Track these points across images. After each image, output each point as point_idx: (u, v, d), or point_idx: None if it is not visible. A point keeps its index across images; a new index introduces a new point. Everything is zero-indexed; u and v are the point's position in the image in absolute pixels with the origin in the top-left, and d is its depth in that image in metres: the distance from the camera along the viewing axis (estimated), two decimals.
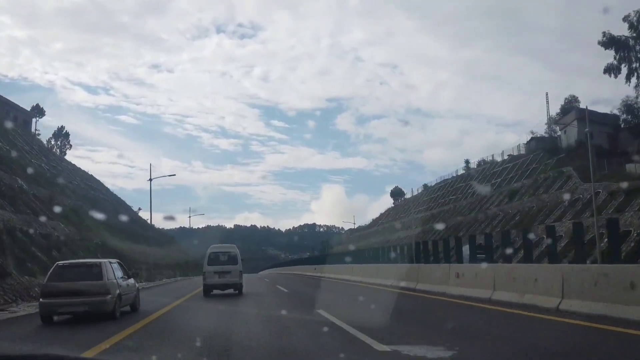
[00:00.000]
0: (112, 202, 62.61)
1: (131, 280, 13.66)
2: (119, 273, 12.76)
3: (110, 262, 12.81)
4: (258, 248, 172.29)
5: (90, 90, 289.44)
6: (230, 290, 18.61)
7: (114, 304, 11.58)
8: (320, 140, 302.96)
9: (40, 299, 11.58)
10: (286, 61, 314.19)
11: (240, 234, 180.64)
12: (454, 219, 56.44)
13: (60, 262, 12.66)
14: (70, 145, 75.20)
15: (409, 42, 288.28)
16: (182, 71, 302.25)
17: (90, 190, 58.52)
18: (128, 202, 78.12)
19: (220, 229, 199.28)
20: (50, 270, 12.12)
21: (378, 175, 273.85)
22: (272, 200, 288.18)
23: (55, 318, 11.51)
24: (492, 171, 64.15)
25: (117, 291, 11.89)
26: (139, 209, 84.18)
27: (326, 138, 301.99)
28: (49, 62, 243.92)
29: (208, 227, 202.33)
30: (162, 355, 7.21)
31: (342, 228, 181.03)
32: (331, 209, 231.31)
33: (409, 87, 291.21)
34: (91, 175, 71.15)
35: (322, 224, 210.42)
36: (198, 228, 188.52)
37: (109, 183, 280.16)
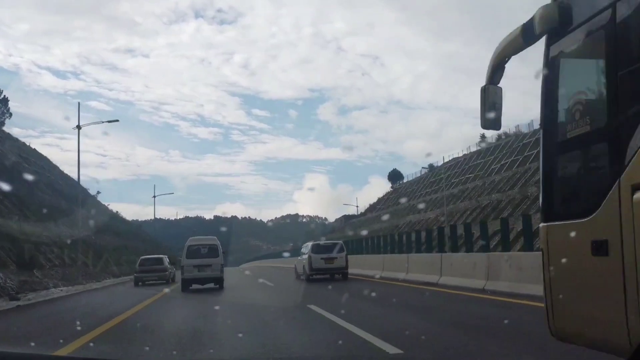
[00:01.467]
0: (55, 182, 49.88)
1: (171, 265, 25.86)
2: (168, 261, 25.56)
3: (165, 257, 25.95)
4: (239, 239, 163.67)
5: (59, 74, 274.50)
6: (211, 285, 17.78)
7: (169, 276, 23.83)
8: (302, 131, 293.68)
9: (135, 274, 23.97)
10: (267, 49, 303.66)
11: (221, 225, 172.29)
12: (487, 197, 45.39)
13: (143, 257, 25.81)
14: (11, 114, 61.72)
15: (389, 33, 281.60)
16: (158, 56, 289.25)
17: (25, 163, 45.78)
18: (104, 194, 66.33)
19: (199, 219, 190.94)
20: (139, 260, 24.70)
21: (360, 165, 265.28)
22: (254, 190, 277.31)
23: (139, 284, 22.77)
24: (523, 142, 53.67)
25: (169, 270, 24.47)
26: (98, 192, 72.62)
27: (308, 128, 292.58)
28: (13, 44, 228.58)
29: (186, 217, 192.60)
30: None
31: (326, 218, 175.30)
32: (314, 199, 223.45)
33: (389, 79, 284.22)
34: (34, 150, 58.85)
35: (305, 214, 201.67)
36: (175, 219, 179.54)
37: (80, 173, 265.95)
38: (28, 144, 58.90)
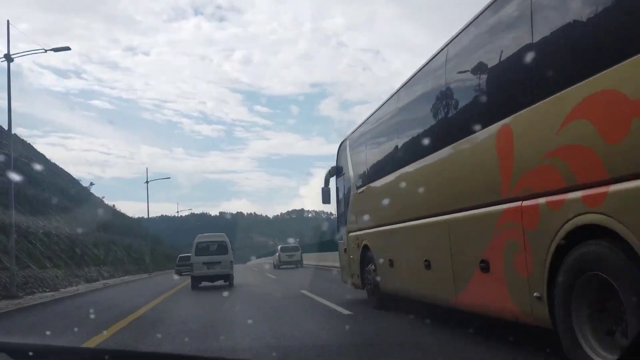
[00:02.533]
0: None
1: None
2: None
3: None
4: (245, 235, 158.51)
5: (61, 73, 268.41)
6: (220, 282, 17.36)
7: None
8: (304, 126, 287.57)
9: (175, 267, 33.55)
10: (268, 45, 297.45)
11: (226, 221, 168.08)
12: None
13: (181, 255, 33.55)
14: None
15: (390, 28, 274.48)
16: (159, 54, 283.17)
17: None
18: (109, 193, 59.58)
19: (204, 216, 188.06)
20: (178, 257, 34.29)
21: None
22: (258, 187, 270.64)
23: (180, 274, 29.29)
24: None
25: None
26: (91, 184, 66.02)
27: (310, 124, 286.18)
28: (14, 44, 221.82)
29: (192, 214, 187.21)
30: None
31: (332, 213, 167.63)
32: (320, 194, 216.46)
33: (391, 73, 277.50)
34: (15, 135, 51.74)
35: (311, 210, 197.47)
36: (181, 216, 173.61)
37: (84, 171, 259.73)
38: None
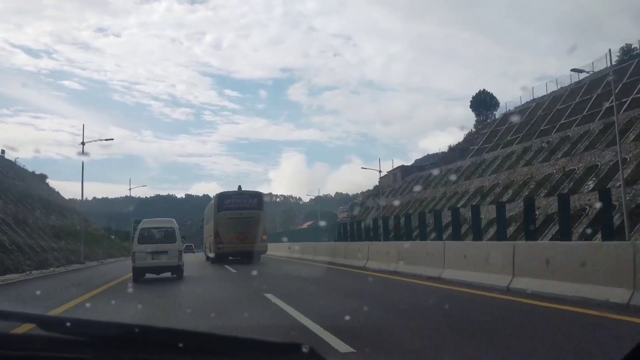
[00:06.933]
0: None
1: None
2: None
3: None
4: None
5: (32, 53, 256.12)
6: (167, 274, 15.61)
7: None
8: (273, 111, 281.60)
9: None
10: (238, 29, 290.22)
11: (192, 203, 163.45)
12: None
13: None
14: None
15: (362, 13, 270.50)
16: (130, 36, 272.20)
17: None
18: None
19: (170, 198, 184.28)
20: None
21: (332, 147, 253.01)
22: (227, 171, 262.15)
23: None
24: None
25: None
26: (38, 172, 54.07)
27: (279, 109, 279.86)
28: None
29: (157, 196, 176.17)
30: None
31: (300, 198, 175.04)
32: (288, 179, 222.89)
33: (361, 59, 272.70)
34: None
35: (279, 194, 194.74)
36: (146, 197, 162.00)
37: (54, 152, 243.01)
38: None
